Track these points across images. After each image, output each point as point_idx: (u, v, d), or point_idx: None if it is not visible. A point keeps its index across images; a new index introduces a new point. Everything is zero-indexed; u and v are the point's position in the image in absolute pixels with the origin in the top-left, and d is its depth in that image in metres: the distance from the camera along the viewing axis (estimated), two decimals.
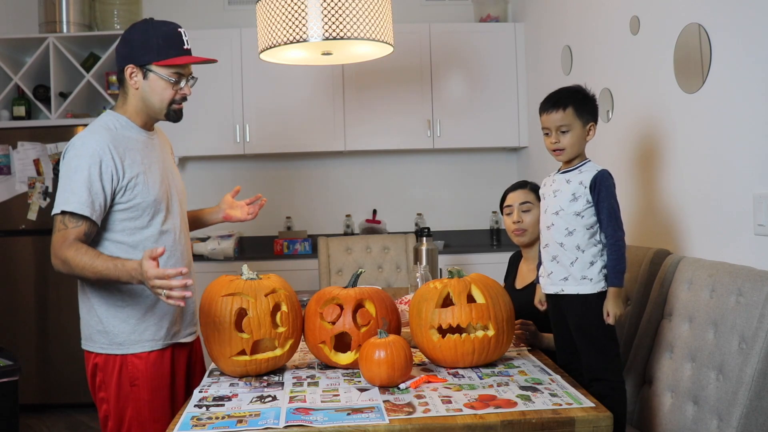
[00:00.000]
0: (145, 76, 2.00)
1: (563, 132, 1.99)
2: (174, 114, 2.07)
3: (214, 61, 2.10)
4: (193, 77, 2.08)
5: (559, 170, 2.08)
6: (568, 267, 1.97)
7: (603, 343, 1.97)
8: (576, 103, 2.00)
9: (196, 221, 2.44)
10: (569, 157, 2.02)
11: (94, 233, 1.94)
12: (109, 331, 1.99)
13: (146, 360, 2.02)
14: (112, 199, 1.95)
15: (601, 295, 1.95)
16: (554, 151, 2.02)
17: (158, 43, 1.99)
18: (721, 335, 1.90)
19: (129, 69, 2.00)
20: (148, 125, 2.10)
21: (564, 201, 1.98)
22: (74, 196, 1.88)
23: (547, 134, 2.03)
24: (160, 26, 2.03)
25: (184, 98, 2.06)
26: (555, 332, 2.11)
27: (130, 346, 2.00)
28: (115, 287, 1.96)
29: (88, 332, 2.04)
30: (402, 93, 4.55)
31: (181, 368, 2.14)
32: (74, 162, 1.91)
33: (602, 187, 1.95)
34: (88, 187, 1.88)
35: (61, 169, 1.95)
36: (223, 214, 2.45)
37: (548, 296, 2.07)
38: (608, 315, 1.93)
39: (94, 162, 1.90)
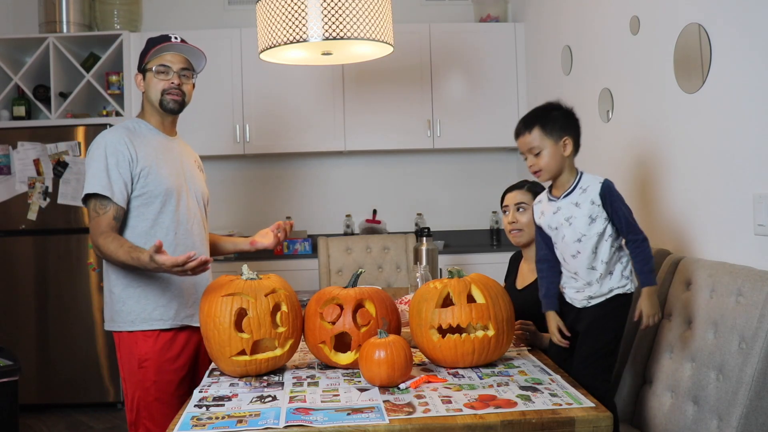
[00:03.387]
0: (144, 78, 2.28)
1: (536, 154, 1.98)
2: (168, 103, 2.25)
3: (192, 46, 2.26)
4: (187, 69, 2.27)
5: (550, 192, 2.04)
6: (604, 284, 1.98)
7: (609, 348, 1.98)
8: (542, 122, 1.97)
9: (222, 245, 2.56)
10: (549, 176, 1.99)
11: (122, 216, 2.15)
12: (123, 309, 2.18)
13: (154, 342, 2.17)
14: (131, 186, 2.16)
15: (627, 297, 1.99)
16: (535, 173, 2.00)
17: (147, 48, 2.26)
18: (721, 335, 1.90)
19: (136, 78, 2.30)
20: (165, 127, 2.32)
21: (583, 226, 1.95)
22: (94, 180, 2.12)
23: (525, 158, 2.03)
24: (153, 37, 2.29)
25: (176, 88, 2.24)
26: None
27: (141, 323, 2.17)
28: (131, 268, 2.12)
29: (109, 314, 2.24)
30: (402, 93, 4.55)
31: (188, 351, 2.25)
32: (94, 154, 2.16)
33: (612, 198, 1.94)
34: (106, 173, 2.12)
35: (85, 164, 2.18)
36: (250, 240, 2.51)
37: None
38: (641, 315, 1.91)
39: (111, 152, 2.14)
